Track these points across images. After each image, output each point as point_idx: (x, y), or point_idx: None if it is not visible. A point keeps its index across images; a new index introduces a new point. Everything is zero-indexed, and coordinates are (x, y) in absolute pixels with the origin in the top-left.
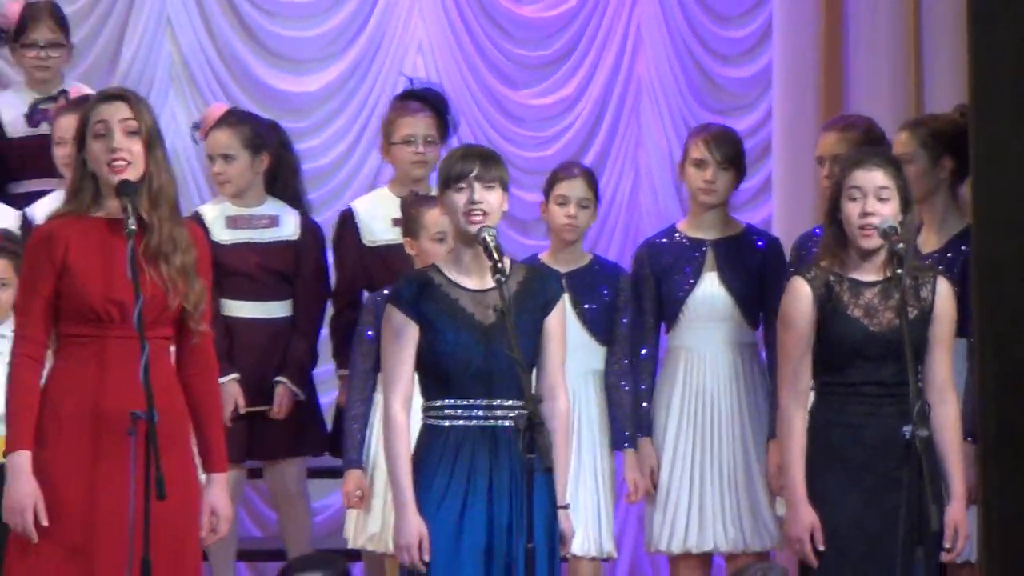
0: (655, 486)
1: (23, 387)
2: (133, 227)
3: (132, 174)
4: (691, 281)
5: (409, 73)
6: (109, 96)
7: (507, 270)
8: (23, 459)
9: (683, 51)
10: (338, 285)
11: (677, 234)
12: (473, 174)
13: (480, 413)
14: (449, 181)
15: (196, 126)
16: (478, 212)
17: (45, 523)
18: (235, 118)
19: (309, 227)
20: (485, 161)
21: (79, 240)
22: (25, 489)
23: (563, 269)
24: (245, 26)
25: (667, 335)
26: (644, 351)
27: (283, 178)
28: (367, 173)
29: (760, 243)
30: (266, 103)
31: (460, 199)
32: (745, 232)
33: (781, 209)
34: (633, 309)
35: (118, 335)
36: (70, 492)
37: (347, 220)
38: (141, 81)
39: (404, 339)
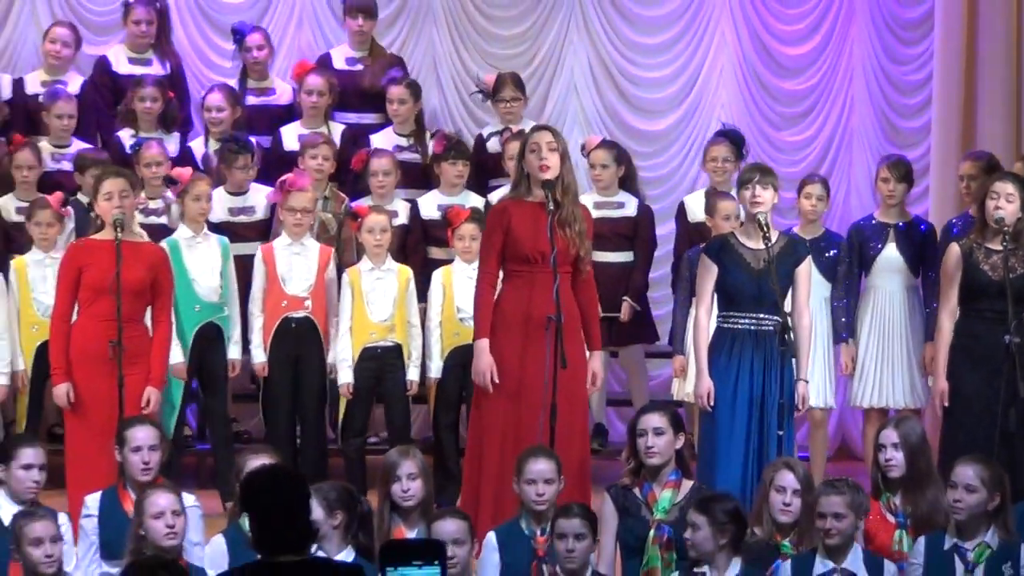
0: (855, 364)
1: (484, 299)
2: (551, 207)
3: (551, 175)
4: (879, 247)
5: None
6: (539, 128)
7: (773, 238)
8: (484, 344)
9: (880, 112)
10: (676, 246)
11: (873, 220)
12: (755, 180)
13: (753, 321)
14: (741, 184)
15: (583, 147)
16: (757, 203)
17: (496, 381)
18: (608, 143)
19: (646, 210)
20: (763, 172)
21: (519, 213)
22: (485, 360)
23: (808, 237)
24: (622, 92)
25: (865, 278)
26: (851, 287)
27: (630, 176)
28: (689, 180)
29: (923, 227)
30: (628, 137)
31: (746, 194)
32: (914, 220)
33: (935, 206)
34: (847, 262)
35: (541, 271)
36: (510, 363)
37: (681, 207)
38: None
39: (708, 275)
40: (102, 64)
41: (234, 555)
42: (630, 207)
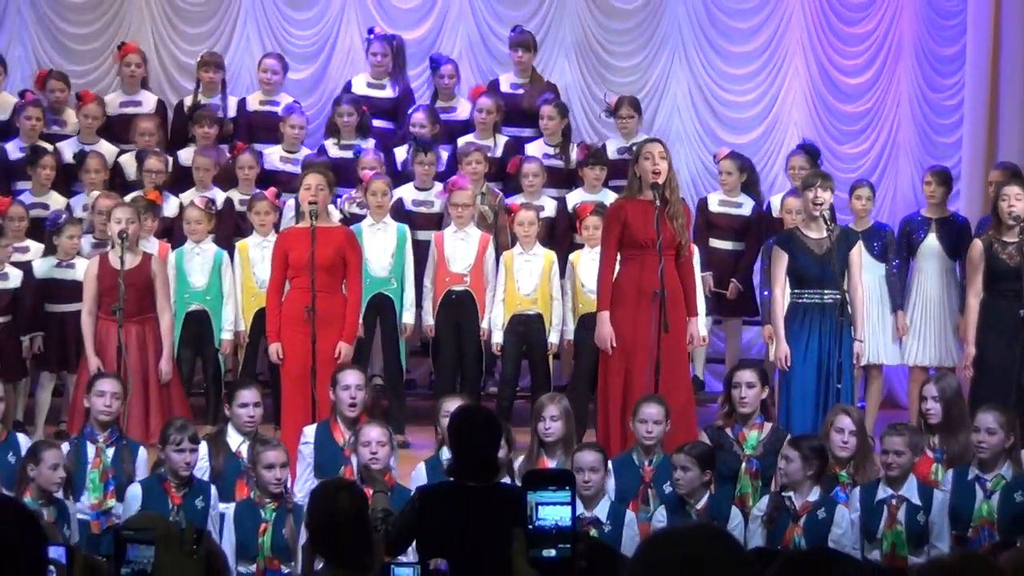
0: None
1: (606, 278)
2: (658, 203)
3: (661, 179)
4: (922, 236)
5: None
6: (652, 140)
7: (833, 230)
8: (605, 315)
9: (921, 130)
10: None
11: (918, 215)
12: (817, 184)
13: (818, 296)
14: (805, 187)
15: (714, 156)
16: (819, 203)
17: (615, 345)
18: (735, 154)
19: (759, 211)
20: (823, 178)
21: (633, 209)
22: (606, 329)
23: (859, 229)
24: (715, 112)
25: (912, 261)
26: (899, 268)
27: (753, 182)
28: (767, 185)
29: (959, 220)
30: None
31: (809, 195)
32: (952, 215)
33: (965, 205)
34: (895, 249)
35: (650, 254)
36: (626, 329)
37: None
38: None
39: (781, 261)
40: (347, 87)
41: (431, 479)
42: (746, 207)
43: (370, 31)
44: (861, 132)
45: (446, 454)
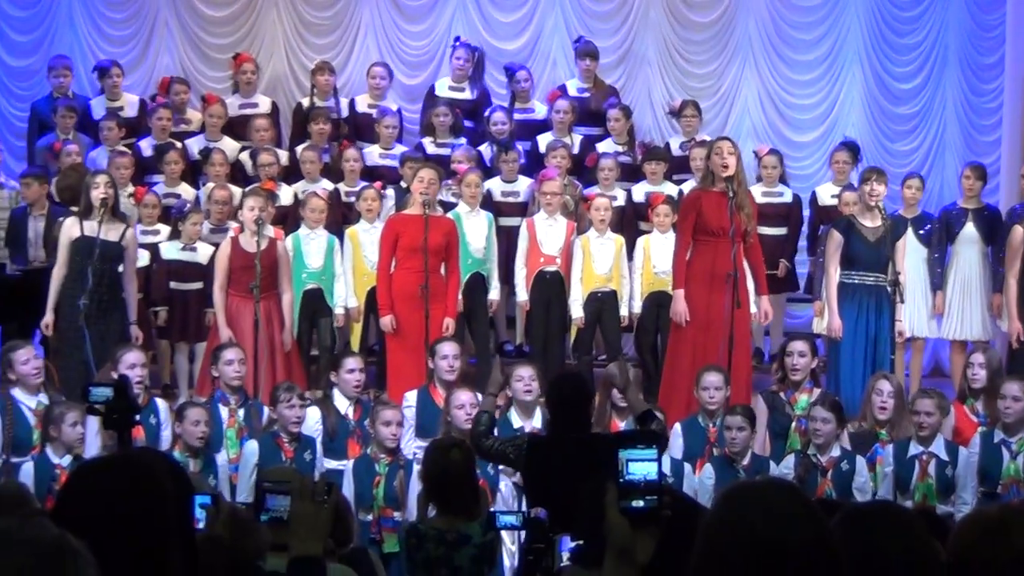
0: (944, 308)
1: (681, 261)
2: (731, 194)
3: (730, 172)
4: (962, 224)
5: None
6: (723, 138)
7: (887, 221)
8: (680, 293)
9: (964, 130)
10: (811, 223)
11: (955, 206)
12: (873, 178)
13: (869, 277)
14: (862, 180)
15: (755, 152)
16: (874, 195)
17: (688, 319)
18: (774, 151)
19: (797, 198)
20: (878, 172)
21: (706, 199)
22: (681, 305)
23: (909, 217)
24: (781, 113)
25: (951, 247)
26: (942, 252)
27: (785, 172)
28: (827, 177)
29: (993, 211)
30: (784, 146)
31: (866, 188)
32: (987, 206)
33: (1003, 197)
34: (937, 234)
35: (721, 240)
36: (698, 305)
37: (813, 195)
38: (736, 134)
39: (836, 244)
40: (430, 90)
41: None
42: (787, 196)
43: (456, 39)
44: (911, 131)
45: (513, 416)
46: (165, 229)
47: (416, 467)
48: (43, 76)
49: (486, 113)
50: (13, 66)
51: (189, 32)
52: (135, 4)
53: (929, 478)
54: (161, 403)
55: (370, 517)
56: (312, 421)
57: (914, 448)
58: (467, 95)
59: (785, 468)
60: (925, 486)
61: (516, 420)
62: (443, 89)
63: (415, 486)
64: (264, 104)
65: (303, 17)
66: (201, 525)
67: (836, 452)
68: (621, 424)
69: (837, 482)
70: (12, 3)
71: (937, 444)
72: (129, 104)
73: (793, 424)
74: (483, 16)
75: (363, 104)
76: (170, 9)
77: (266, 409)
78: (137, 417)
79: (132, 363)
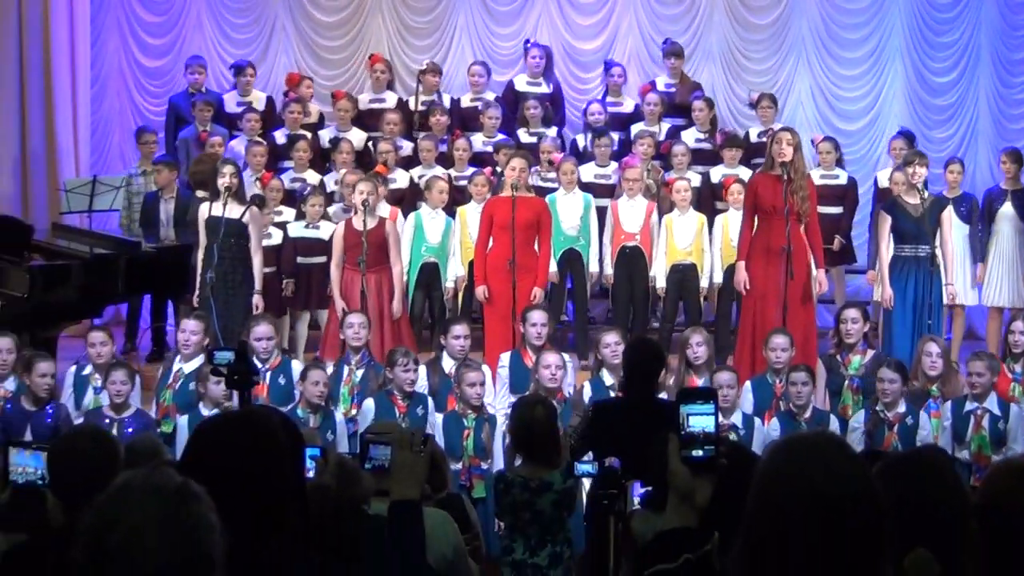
0: (983, 278)
1: (744, 236)
2: (786, 178)
3: (786, 159)
4: (1002, 202)
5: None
6: (783, 129)
7: (927, 198)
8: (742, 264)
9: (996, 119)
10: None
11: (997, 187)
12: (915, 161)
13: (914, 250)
14: (905, 163)
15: (812, 140)
16: (916, 176)
17: (748, 288)
18: (829, 138)
19: (852, 180)
20: (920, 156)
21: (763, 182)
22: (742, 275)
23: (950, 196)
24: (831, 106)
25: (991, 224)
26: (982, 230)
27: (841, 157)
28: (873, 161)
29: None
30: (835, 135)
31: (908, 170)
32: (1023, 186)
33: None
34: (979, 214)
35: (777, 219)
36: (757, 276)
37: (875, 179)
38: (791, 124)
39: (885, 222)
40: (510, 85)
41: (595, 393)
42: (842, 178)
43: (527, 41)
44: (947, 120)
45: (605, 375)
46: (288, 211)
47: (500, 420)
48: (175, 75)
49: (584, 105)
50: (148, 66)
51: (304, 35)
52: (256, 10)
53: (983, 431)
54: (295, 364)
55: (460, 466)
56: (421, 379)
57: (969, 404)
58: (544, 88)
59: (856, 423)
60: (979, 438)
61: (607, 378)
62: (522, 84)
63: (500, 438)
64: (391, 99)
65: (405, 21)
66: (311, 475)
67: (902, 408)
68: (698, 381)
69: (903, 435)
70: (147, 9)
71: (990, 400)
72: (258, 100)
73: (845, 383)
74: (564, 19)
75: (466, 100)
76: (287, 14)
77: (384, 369)
78: (256, 377)
79: (260, 335)
